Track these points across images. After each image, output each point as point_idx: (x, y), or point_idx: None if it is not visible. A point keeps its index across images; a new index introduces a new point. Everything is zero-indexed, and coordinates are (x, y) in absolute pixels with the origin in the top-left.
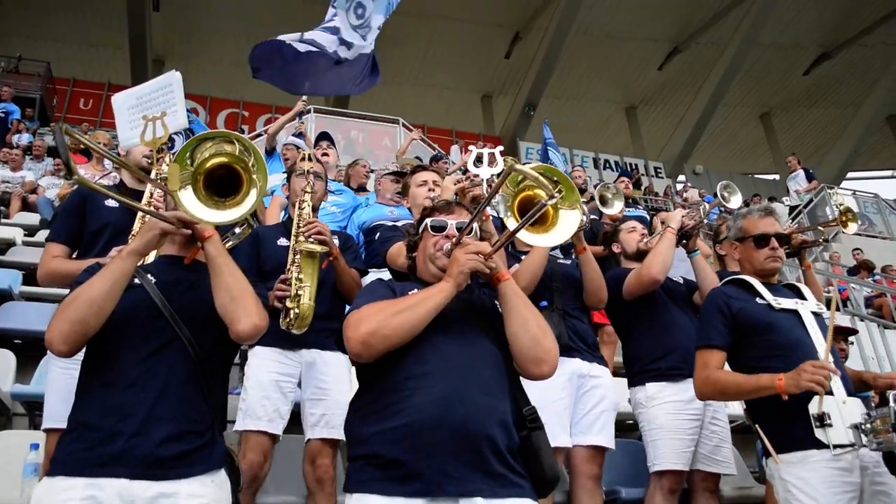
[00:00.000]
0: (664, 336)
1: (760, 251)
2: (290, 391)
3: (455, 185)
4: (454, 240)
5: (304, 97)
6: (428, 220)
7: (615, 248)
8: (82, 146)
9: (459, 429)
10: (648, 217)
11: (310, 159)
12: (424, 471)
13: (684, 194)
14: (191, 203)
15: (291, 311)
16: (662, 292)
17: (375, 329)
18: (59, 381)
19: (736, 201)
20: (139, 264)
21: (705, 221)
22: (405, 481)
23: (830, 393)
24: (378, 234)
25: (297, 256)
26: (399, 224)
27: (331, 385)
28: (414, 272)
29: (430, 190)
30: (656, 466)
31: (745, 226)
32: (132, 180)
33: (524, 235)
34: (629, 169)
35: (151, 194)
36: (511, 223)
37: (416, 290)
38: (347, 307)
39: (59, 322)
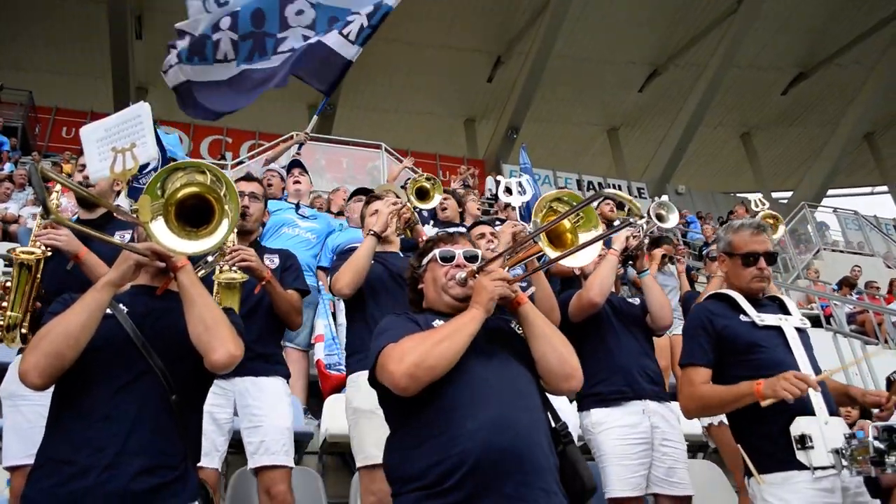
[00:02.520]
0: (608, 359)
1: (747, 270)
2: (226, 422)
3: (389, 208)
4: (478, 268)
5: (308, 130)
6: (436, 251)
7: (576, 270)
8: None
9: (512, 450)
10: None
11: (247, 180)
12: (488, 495)
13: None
14: (163, 234)
15: None
16: (612, 314)
17: (420, 360)
18: (11, 418)
19: (673, 220)
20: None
21: (647, 240)
22: None
23: (813, 413)
24: (332, 261)
25: (218, 288)
26: None
27: (266, 411)
28: (419, 304)
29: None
30: (609, 494)
31: (734, 241)
32: (83, 211)
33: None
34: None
35: None
36: (543, 246)
37: (438, 321)
38: (287, 331)
39: (33, 355)
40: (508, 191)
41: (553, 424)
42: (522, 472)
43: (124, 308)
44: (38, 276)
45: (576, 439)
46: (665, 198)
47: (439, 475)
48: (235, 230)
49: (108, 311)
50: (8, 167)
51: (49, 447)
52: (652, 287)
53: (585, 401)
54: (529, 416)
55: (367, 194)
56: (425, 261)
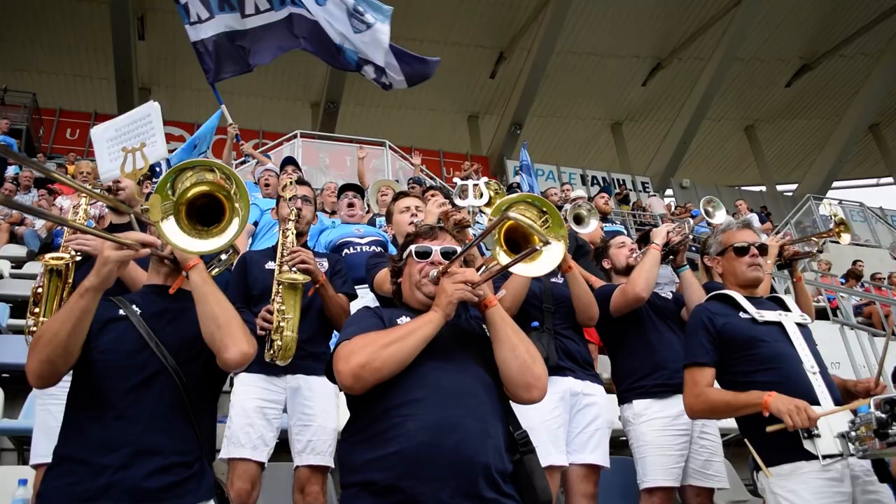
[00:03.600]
0: (651, 354)
1: (741, 259)
2: (276, 417)
3: (439, 208)
4: (441, 269)
5: (230, 122)
6: (412, 247)
7: (605, 264)
8: (69, 176)
9: (453, 456)
10: (626, 232)
11: (300, 184)
12: (418, 497)
13: (647, 205)
14: (173, 234)
15: (275, 343)
16: (650, 309)
17: (366, 362)
18: (40, 417)
19: (720, 216)
20: (125, 294)
21: (691, 236)
22: None
23: (818, 403)
24: (367, 260)
25: (280, 287)
26: (364, 241)
27: (317, 411)
28: (399, 298)
29: (412, 216)
30: (645, 483)
31: (724, 239)
32: (114, 216)
33: (516, 268)
34: (616, 184)
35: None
36: (500, 253)
37: (404, 318)
38: (335, 333)
39: (30, 360)
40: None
41: (513, 432)
42: (460, 477)
43: (137, 309)
44: (70, 280)
45: (619, 431)
46: (707, 197)
47: (377, 472)
48: (294, 232)
49: (121, 311)
50: (13, 169)
51: (64, 447)
52: (691, 282)
53: (627, 394)
54: (477, 422)
55: (355, 189)
56: (405, 255)
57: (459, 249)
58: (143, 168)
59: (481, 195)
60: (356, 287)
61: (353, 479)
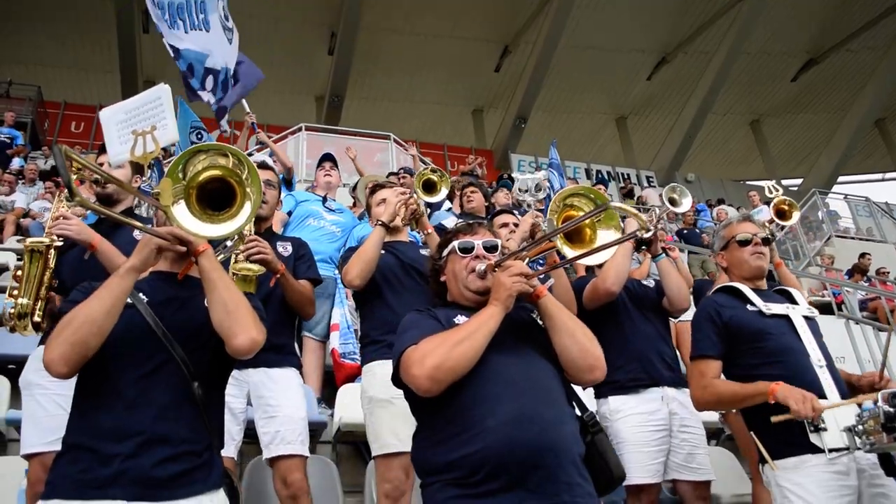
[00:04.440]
0: (624, 346)
1: (745, 249)
2: (241, 411)
3: (397, 197)
4: (498, 261)
5: (248, 110)
6: (455, 243)
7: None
8: (75, 169)
9: (536, 445)
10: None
11: (261, 167)
12: (513, 489)
13: (642, 196)
14: (184, 217)
15: None
16: (628, 299)
17: (440, 363)
18: (27, 407)
19: (686, 203)
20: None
21: (661, 225)
22: (490, 496)
23: (824, 396)
24: (343, 252)
25: (234, 278)
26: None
27: (280, 402)
28: (443, 297)
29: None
30: (627, 481)
31: (726, 233)
32: (105, 207)
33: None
34: (621, 179)
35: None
36: (562, 246)
37: (460, 317)
38: (303, 322)
39: (57, 343)
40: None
41: (580, 415)
42: (546, 466)
43: (144, 297)
44: (51, 264)
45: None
46: (670, 185)
47: (465, 470)
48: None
49: (128, 300)
50: (17, 162)
51: (72, 435)
52: (669, 270)
53: (602, 388)
54: (553, 410)
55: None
56: (445, 252)
57: (500, 243)
58: (154, 151)
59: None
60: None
61: (436, 479)
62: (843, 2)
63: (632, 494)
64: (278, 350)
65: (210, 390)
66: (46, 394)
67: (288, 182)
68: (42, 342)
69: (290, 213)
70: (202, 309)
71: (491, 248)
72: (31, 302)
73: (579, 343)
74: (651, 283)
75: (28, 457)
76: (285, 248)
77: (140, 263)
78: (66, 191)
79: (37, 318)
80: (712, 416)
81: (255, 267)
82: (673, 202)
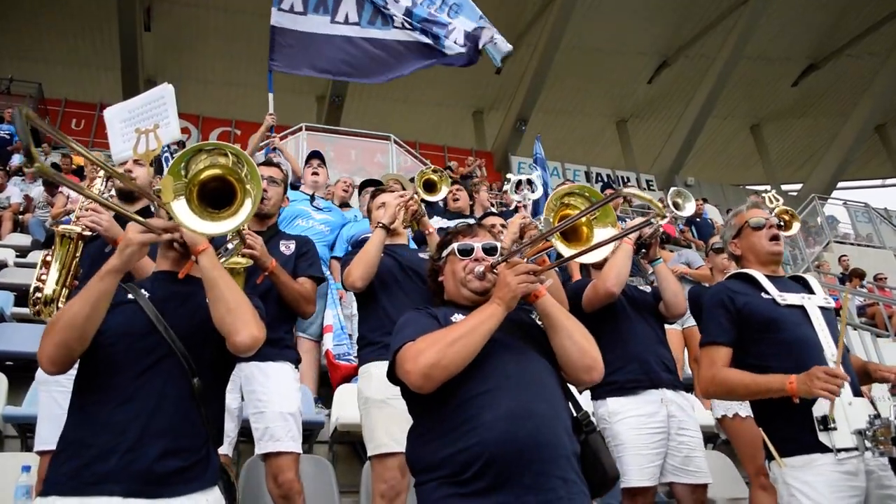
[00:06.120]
0: (623, 347)
1: (759, 234)
2: (234, 407)
3: (396, 200)
4: (497, 262)
5: (271, 111)
6: (455, 245)
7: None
8: (75, 166)
9: (531, 441)
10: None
11: (267, 165)
12: (502, 484)
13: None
14: (184, 214)
15: None
16: (626, 302)
17: (435, 361)
18: (44, 404)
19: (690, 208)
20: (134, 281)
21: (661, 229)
22: (484, 494)
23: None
24: (344, 256)
25: None
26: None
27: (271, 397)
28: (441, 297)
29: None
30: (624, 483)
31: (737, 221)
32: (123, 203)
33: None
34: (621, 182)
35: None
36: (557, 244)
37: (458, 315)
38: (299, 319)
39: (44, 344)
40: (518, 186)
41: (575, 414)
42: (541, 461)
43: (146, 293)
44: (78, 253)
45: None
46: (674, 189)
47: (458, 466)
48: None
49: (130, 296)
50: (17, 158)
51: (71, 431)
52: (666, 275)
53: (600, 390)
54: (548, 407)
55: (376, 185)
56: (445, 253)
57: (499, 245)
58: (156, 149)
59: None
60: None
61: (431, 475)
62: (844, 7)
63: (627, 497)
64: (273, 344)
65: (210, 387)
66: (63, 391)
67: (293, 187)
68: None
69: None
70: (203, 306)
71: (490, 251)
72: (59, 287)
73: (578, 343)
74: (648, 288)
75: (42, 453)
76: (288, 247)
77: (120, 264)
78: (96, 182)
79: (61, 305)
80: (708, 420)
81: (243, 260)
82: (677, 206)
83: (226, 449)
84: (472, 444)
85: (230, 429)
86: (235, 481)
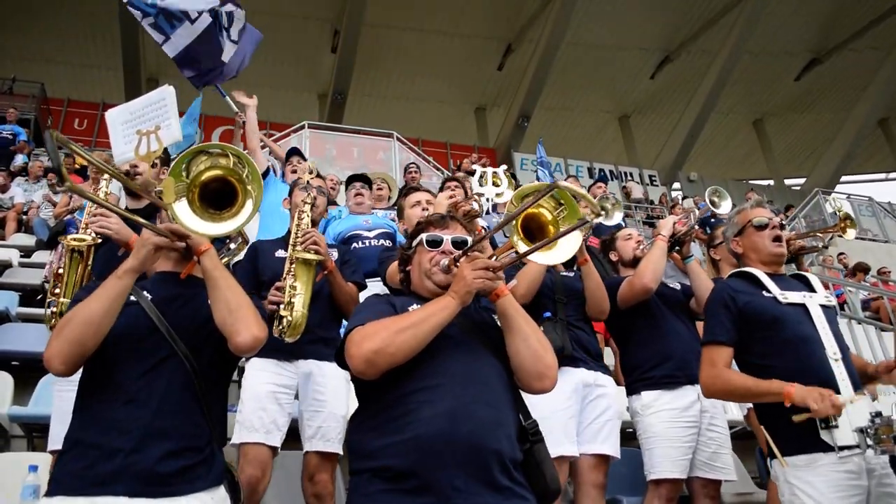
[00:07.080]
0: (660, 344)
1: (762, 234)
2: (288, 403)
3: (448, 200)
4: (459, 255)
5: (238, 112)
6: (423, 235)
7: (612, 257)
8: (77, 166)
9: (467, 443)
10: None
11: (316, 175)
12: (433, 484)
13: (680, 203)
14: (186, 216)
15: (284, 319)
16: (658, 300)
17: (380, 347)
18: (57, 403)
19: (726, 206)
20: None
21: (696, 227)
22: (413, 494)
23: (838, 392)
24: (380, 254)
25: (293, 265)
26: (373, 234)
27: (328, 397)
28: (408, 286)
29: (423, 210)
30: (653, 475)
31: (740, 219)
32: (130, 200)
33: (534, 256)
34: (624, 177)
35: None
36: (518, 242)
37: (415, 305)
38: (344, 322)
39: (56, 342)
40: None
41: (523, 422)
42: (475, 465)
43: (148, 294)
44: (89, 262)
45: (627, 422)
46: (713, 187)
47: (391, 458)
48: (309, 217)
49: (132, 297)
50: (21, 158)
51: (76, 431)
52: (698, 272)
53: (636, 385)
54: (491, 410)
55: (361, 180)
56: (415, 243)
57: (470, 239)
58: (158, 151)
59: (498, 184)
60: (366, 280)
61: (364, 465)
62: (847, 1)
63: (653, 488)
64: (327, 343)
65: (212, 386)
66: (74, 391)
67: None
68: None
69: None
70: (205, 306)
71: (460, 244)
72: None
73: (532, 348)
74: (677, 285)
75: (55, 453)
76: (331, 254)
77: (138, 264)
78: (101, 184)
79: None
80: (737, 416)
81: (313, 255)
82: (714, 204)
83: (277, 441)
84: (407, 438)
85: (282, 423)
86: (268, 472)
